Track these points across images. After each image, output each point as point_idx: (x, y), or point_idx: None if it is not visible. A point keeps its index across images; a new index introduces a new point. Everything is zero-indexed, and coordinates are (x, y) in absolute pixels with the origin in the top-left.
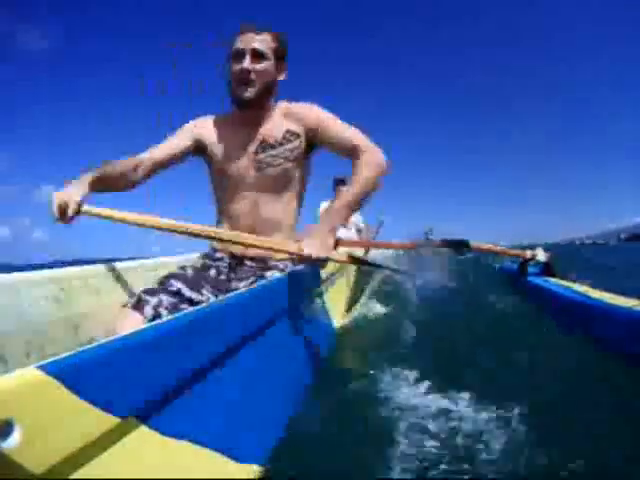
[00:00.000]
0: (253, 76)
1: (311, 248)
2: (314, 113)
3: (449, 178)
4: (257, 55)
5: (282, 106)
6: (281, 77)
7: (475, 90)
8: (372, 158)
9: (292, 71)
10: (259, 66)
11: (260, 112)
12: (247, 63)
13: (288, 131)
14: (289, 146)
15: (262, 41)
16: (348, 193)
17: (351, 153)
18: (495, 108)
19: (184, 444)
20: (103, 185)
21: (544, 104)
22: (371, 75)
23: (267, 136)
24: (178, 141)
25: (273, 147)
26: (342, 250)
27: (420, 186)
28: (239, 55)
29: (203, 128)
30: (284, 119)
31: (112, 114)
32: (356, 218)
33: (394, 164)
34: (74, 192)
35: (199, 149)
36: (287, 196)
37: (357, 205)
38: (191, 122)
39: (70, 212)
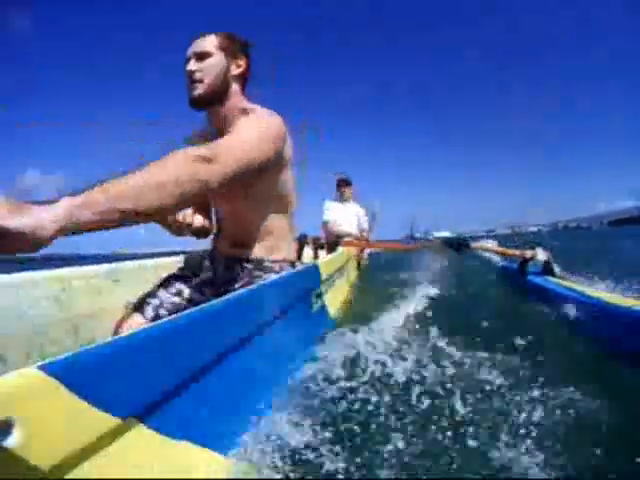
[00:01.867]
0: (199, 75)
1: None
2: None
3: (437, 167)
4: (200, 56)
5: (253, 108)
6: (236, 71)
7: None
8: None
9: (282, 70)
10: (203, 64)
11: (221, 110)
12: (191, 65)
13: None
14: None
15: (204, 42)
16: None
17: None
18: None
19: (184, 444)
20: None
21: (534, 89)
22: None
23: None
24: None
25: None
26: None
27: (419, 180)
28: (186, 61)
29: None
30: None
31: (102, 94)
32: (356, 210)
33: (379, 156)
34: None
35: None
36: (271, 202)
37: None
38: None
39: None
